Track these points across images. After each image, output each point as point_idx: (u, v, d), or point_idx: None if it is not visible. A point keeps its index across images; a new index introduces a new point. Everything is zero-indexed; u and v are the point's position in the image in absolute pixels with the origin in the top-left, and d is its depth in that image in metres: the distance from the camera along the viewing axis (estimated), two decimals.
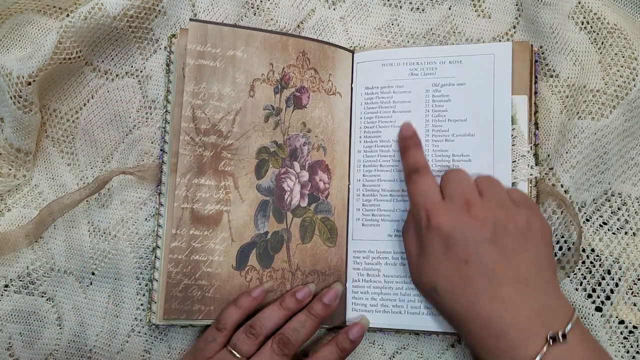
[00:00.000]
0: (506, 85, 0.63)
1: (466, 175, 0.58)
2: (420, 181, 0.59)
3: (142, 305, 0.63)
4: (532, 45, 0.64)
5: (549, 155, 0.64)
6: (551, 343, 0.49)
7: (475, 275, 0.52)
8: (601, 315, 0.61)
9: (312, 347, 0.64)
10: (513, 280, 0.52)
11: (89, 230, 0.65)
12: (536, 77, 0.63)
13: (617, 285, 0.61)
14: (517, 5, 0.67)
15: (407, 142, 0.63)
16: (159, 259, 0.61)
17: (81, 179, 0.66)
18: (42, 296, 0.64)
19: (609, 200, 0.63)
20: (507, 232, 0.53)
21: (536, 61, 0.64)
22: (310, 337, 0.59)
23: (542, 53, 0.66)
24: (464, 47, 0.65)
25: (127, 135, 0.66)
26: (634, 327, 0.60)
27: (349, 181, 0.66)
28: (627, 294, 0.61)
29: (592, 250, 0.62)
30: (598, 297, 0.61)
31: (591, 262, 0.62)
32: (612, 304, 0.61)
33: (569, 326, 0.50)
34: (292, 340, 0.57)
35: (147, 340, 0.63)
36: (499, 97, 0.63)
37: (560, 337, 0.49)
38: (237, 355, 0.56)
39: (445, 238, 0.53)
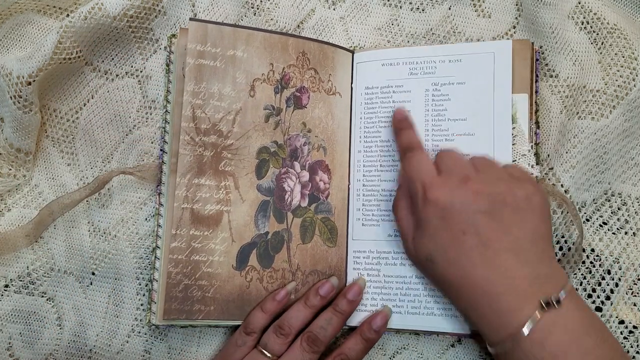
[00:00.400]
0: (506, 84, 0.63)
1: (460, 154, 0.59)
2: (415, 158, 0.59)
3: (142, 305, 0.63)
4: (532, 43, 0.64)
5: (549, 155, 0.64)
6: (545, 308, 0.50)
7: (472, 245, 0.53)
8: (601, 315, 0.60)
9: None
10: (509, 249, 0.52)
11: (89, 230, 0.65)
12: (537, 75, 0.63)
13: (617, 285, 0.61)
14: (517, 5, 0.67)
15: (401, 124, 0.63)
16: (158, 259, 0.61)
17: (81, 179, 0.66)
18: (42, 296, 0.64)
19: (609, 200, 0.63)
20: (505, 204, 0.54)
21: (537, 60, 0.64)
22: (338, 332, 0.60)
23: (542, 53, 0.66)
24: (464, 45, 0.65)
25: (127, 135, 0.66)
26: (634, 327, 0.60)
27: (349, 181, 0.66)
28: (627, 294, 0.61)
29: (592, 250, 0.62)
30: (598, 297, 0.61)
31: (591, 262, 0.62)
32: (612, 304, 0.61)
33: (563, 293, 0.51)
34: (320, 337, 0.58)
35: (147, 341, 0.63)
36: (499, 95, 0.63)
37: (555, 303, 0.50)
38: (269, 355, 0.58)
39: (442, 210, 0.54)
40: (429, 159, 0.59)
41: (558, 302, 0.50)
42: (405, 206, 0.60)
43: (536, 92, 0.63)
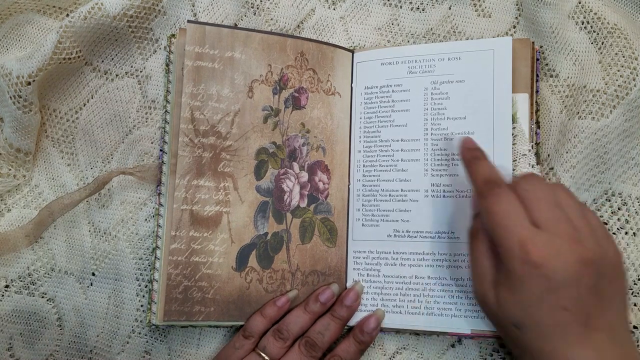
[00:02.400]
0: (506, 82, 0.62)
1: (551, 191, 0.51)
2: (503, 201, 0.50)
3: (142, 306, 0.63)
4: (533, 42, 0.64)
5: (549, 155, 0.64)
6: None
7: (572, 322, 0.47)
8: None
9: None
10: (607, 328, 0.48)
11: (89, 231, 0.65)
12: (537, 74, 0.63)
13: None
14: (517, 5, 0.67)
15: (473, 153, 0.56)
16: (159, 259, 0.61)
17: (81, 179, 0.66)
18: (43, 297, 0.64)
19: (609, 200, 0.62)
20: (605, 276, 0.48)
21: (537, 59, 0.63)
22: (336, 338, 0.60)
23: (542, 53, 0.66)
24: (463, 43, 0.65)
25: (127, 135, 0.66)
26: (634, 327, 0.60)
27: (349, 181, 0.66)
28: (627, 294, 0.61)
29: None
30: None
31: None
32: None
33: None
34: (318, 342, 0.59)
35: (147, 342, 0.63)
36: (499, 94, 0.62)
37: None
38: (267, 357, 0.58)
39: (547, 280, 0.47)
40: (519, 203, 0.50)
41: None
42: (485, 250, 0.53)
43: (537, 91, 0.63)
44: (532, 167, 0.61)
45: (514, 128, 0.62)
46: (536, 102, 0.63)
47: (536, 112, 0.63)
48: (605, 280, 0.48)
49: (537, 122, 0.63)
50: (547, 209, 0.49)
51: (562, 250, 0.47)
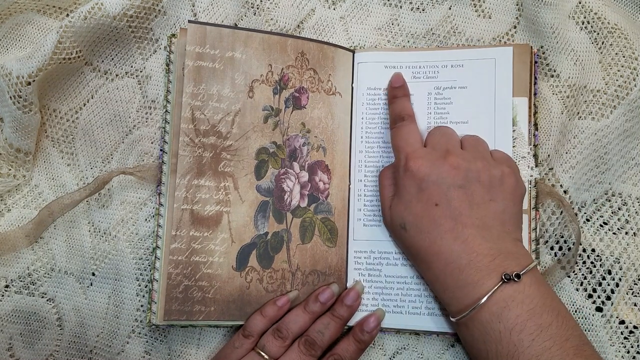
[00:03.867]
0: (507, 88, 0.63)
1: (452, 131, 0.62)
2: (404, 128, 0.62)
3: (142, 306, 0.63)
4: (532, 47, 0.64)
5: (549, 155, 0.64)
6: (505, 282, 0.52)
7: (443, 216, 0.55)
8: (602, 316, 0.61)
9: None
10: (476, 225, 0.55)
11: (89, 231, 0.65)
12: (536, 78, 0.64)
13: (617, 285, 0.61)
14: (517, 5, 0.67)
15: (397, 91, 0.65)
16: (159, 259, 0.61)
17: (81, 179, 0.66)
18: (43, 297, 0.64)
19: (609, 201, 0.62)
20: (479, 182, 0.56)
21: (535, 62, 0.64)
22: (336, 337, 0.60)
23: (543, 53, 0.66)
24: (466, 51, 0.65)
25: (127, 135, 0.66)
26: (635, 327, 0.60)
27: (350, 181, 0.66)
28: (627, 294, 0.61)
29: (593, 250, 0.62)
30: (598, 297, 0.61)
31: (592, 262, 0.62)
32: (612, 304, 0.61)
33: (524, 270, 0.53)
34: (318, 342, 0.59)
35: (147, 342, 0.63)
36: (500, 99, 0.63)
37: (514, 277, 0.52)
38: (266, 356, 0.58)
39: (420, 180, 0.57)
40: (418, 131, 0.62)
41: (518, 277, 0.52)
42: (390, 175, 0.62)
43: (535, 94, 0.63)
44: (531, 168, 0.62)
45: (513, 131, 0.63)
46: (534, 104, 0.63)
47: (534, 115, 0.63)
48: (478, 186, 0.56)
49: (535, 125, 0.63)
50: (436, 135, 0.61)
51: (434, 158, 0.58)
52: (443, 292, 0.56)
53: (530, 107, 0.63)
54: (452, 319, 0.56)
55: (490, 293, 0.52)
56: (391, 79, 0.66)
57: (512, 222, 0.57)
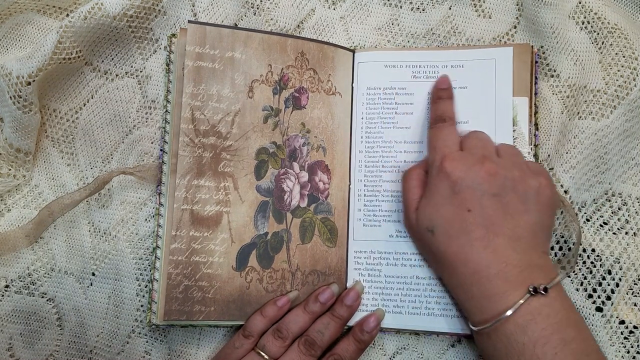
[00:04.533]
0: (507, 89, 0.63)
1: (488, 137, 0.60)
2: (444, 129, 0.61)
3: (142, 306, 0.63)
4: (532, 46, 0.64)
5: (549, 155, 0.64)
6: (532, 295, 0.51)
7: (475, 223, 0.54)
8: (602, 316, 0.60)
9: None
10: (507, 235, 0.54)
11: (89, 231, 0.65)
12: (536, 77, 0.64)
13: (617, 285, 0.61)
14: (517, 5, 0.67)
15: (442, 92, 0.64)
16: (159, 259, 0.61)
17: (81, 179, 0.66)
18: (43, 297, 0.64)
19: (609, 201, 0.62)
20: (515, 192, 0.55)
21: (536, 62, 0.64)
22: (335, 337, 0.60)
23: (543, 53, 0.66)
24: (466, 51, 0.65)
25: (127, 135, 0.66)
26: (635, 327, 0.60)
27: (350, 181, 0.66)
28: (627, 294, 0.61)
29: (593, 250, 0.62)
30: (599, 297, 0.61)
31: (592, 262, 0.61)
32: (612, 304, 0.60)
33: (551, 283, 0.52)
34: (317, 341, 0.59)
35: (147, 342, 0.63)
36: (500, 100, 0.63)
37: (542, 291, 0.52)
38: (266, 356, 0.58)
39: (453, 183, 0.55)
40: (457, 135, 0.61)
41: (545, 290, 0.52)
42: (417, 176, 0.61)
43: (535, 93, 0.63)
44: None
45: (514, 131, 0.63)
46: (535, 104, 0.63)
47: (535, 115, 0.63)
48: (513, 195, 0.55)
49: (536, 124, 0.63)
50: (473, 139, 0.59)
51: (471, 162, 0.56)
52: (467, 300, 0.55)
53: (530, 107, 0.63)
54: (473, 327, 0.55)
55: (517, 305, 0.51)
56: (437, 79, 0.65)
57: (543, 235, 0.56)
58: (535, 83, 0.63)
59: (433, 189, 0.57)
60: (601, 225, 0.62)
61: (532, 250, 0.54)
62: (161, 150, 0.64)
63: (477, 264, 0.53)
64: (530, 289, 0.51)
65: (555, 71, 0.65)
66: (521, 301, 0.51)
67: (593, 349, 0.51)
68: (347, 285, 0.64)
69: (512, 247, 0.53)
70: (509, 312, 0.51)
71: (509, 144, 0.62)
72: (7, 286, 0.64)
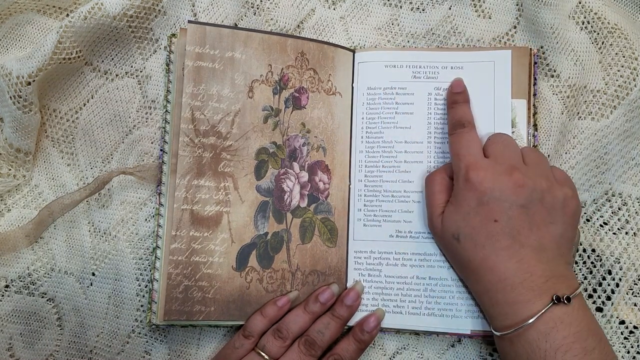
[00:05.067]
0: (506, 91, 0.64)
1: (514, 142, 0.60)
2: (465, 135, 0.60)
3: (142, 306, 0.63)
4: (531, 49, 0.64)
5: (549, 155, 0.64)
6: (556, 304, 0.52)
7: (501, 233, 0.54)
8: (602, 316, 0.61)
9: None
10: (533, 246, 0.54)
11: (89, 231, 0.65)
12: (535, 79, 0.64)
13: (617, 285, 0.61)
14: (517, 5, 0.67)
15: (457, 96, 0.64)
16: (159, 259, 0.61)
17: (81, 179, 0.66)
18: (43, 297, 0.64)
19: (609, 201, 0.62)
20: (542, 203, 0.55)
21: (535, 63, 0.64)
22: (336, 337, 0.60)
23: (543, 53, 0.66)
24: (465, 53, 0.66)
25: (127, 135, 0.66)
26: (635, 327, 0.60)
27: (350, 181, 0.65)
28: (627, 294, 0.61)
29: (593, 250, 0.62)
30: (599, 297, 0.61)
31: (592, 263, 0.62)
32: (612, 304, 0.61)
33: (574, 293, 0.53)
34: (318, 341, 0.59)
35: (147, 342, 0.63)
36: (499, 101, 0.64)
37: (565, 300, 0.52)
38: (266, 356, 0.58)
39: (481, 194, 0.55)
40: (479, 139, 0.60)
41: (568, 300, 0.52)
42: (441, 181, 0.61)
43: (534, 95, 0.64)
44: None
45: (512, 132, 0.63)
46: (534, 105, 0.63)
47: (534, 116, 0.63)
48: (540, 207, 0.55)
49: (535, 126, 0.63)
50: (499, 145, 0.59)
51: (498, 172, 0.56)
52: (491, 307, 0.55)
53: (529, 109, 0.63)
54: (496, 332, 0.55)
55: (540, 313, 0.51)
56: (452, 84, 0.65)
57: (567, 245, 0.56)
58: (535, 84, 0.63)
59: (460, 197, 0.57)
60: (601, 226, 0.62)
61: (557, 260, 0.55)
62: (161, 150, 0.64)
63: (503, 273, 0.54)
64: (554, 298, 0.52)
65: (555, 71, 0.65)
66: (544, 309, 0.51)
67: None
68: (347, 285, 0.64)
69: (537, 258, 0.54)
70: (532, 320, 0.51)
71: (534, 149, 0.61)
72: (7, 286, 0.64)
